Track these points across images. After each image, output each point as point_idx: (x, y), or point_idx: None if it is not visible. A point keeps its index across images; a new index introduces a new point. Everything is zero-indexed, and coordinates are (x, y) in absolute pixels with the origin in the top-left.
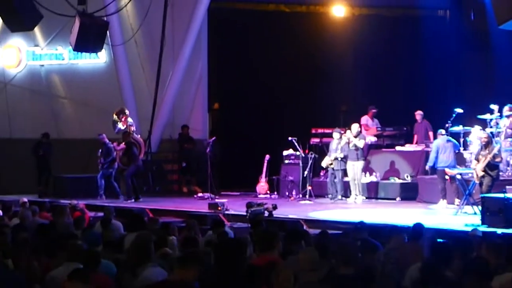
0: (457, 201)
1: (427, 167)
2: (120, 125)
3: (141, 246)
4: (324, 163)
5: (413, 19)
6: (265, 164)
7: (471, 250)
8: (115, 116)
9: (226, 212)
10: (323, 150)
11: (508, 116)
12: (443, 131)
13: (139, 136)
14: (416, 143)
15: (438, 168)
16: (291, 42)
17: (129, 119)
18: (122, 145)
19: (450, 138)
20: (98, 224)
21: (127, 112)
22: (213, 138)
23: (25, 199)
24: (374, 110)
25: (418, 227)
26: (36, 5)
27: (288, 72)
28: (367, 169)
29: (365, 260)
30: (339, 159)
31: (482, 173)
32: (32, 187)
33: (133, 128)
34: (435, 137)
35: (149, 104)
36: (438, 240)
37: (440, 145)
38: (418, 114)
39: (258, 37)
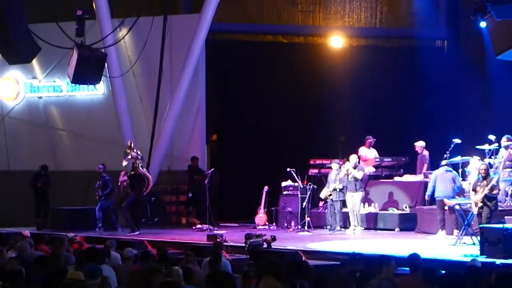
0: (456, 231)
1: (426, 197)
2: (129, 157)
3: (146, 280)
4: (322, 195)
5: (411, 49)
6: (264, 195)
7: (482, 282)
8: (126, 149)
9: (225, 243)
10: (321, 181)
11: (506, 147)
12: (444, 162)
13: (144, 170)
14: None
15: (437, 199)
16: (289, 73)
17: (138, 152)
18: (125, 177)
19: (451, 169)
20: None
21: (132, 145)
22: (212, 170)
23: (27, 232)
24: (370, 140)
25: (415, 257)
26: (34, 37)
27: (286, 103)
28: (366, 199)
29: None
30: (338, 190)
31: (480, 204)
32: (30, 219)
33: (139, 162)
34: (431, 169)
35: (147, 136)
36: (444, 271)
37: (438, 175)
38: (417, 146)
39: (256, 68)
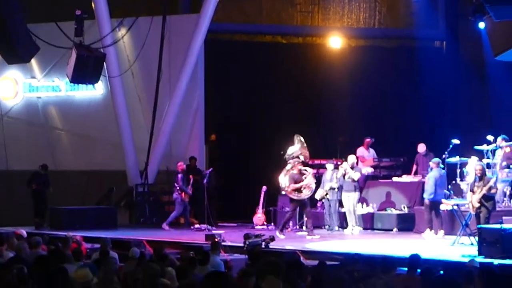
0: (441, 231)
1: (427, 201)
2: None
3: (151, 281)
4: (318, 195)
5: (409, 50)
6: (262, 195)
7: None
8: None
9: (223, 243)
10: (320, 181)
11: (502, 147)
12: (437, 161)
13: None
14: (415, 173)
15: (432, 200)
16: (287, 73)
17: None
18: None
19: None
20: (94, 255)
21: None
22: (210, 169)
23: (22, 231)
24: (368, 140)
25: (415, 258)
26: (32, 37)
27: (284, 103)
28: (363, 200)
29: None
30: (335, 189)
31: (478, 205)
32: (29, 218)
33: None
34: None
35: (146, 136)
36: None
37: (437, 178)
38: (423, 147)
39: (255, 69)
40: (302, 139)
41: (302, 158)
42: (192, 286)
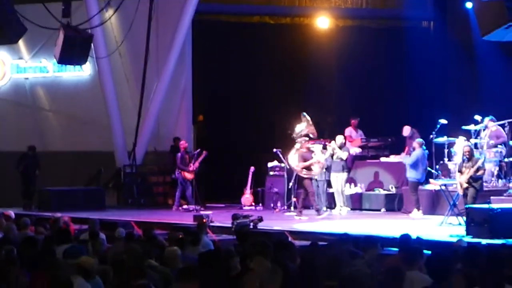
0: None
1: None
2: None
3: (135, 261)
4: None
5: (397, 30)
6: (250, 176)
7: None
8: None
9: (211, 224)
10: None
11: (489, 127)
12: (421, 142)
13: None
14: (407, 153)
15: (418, 181)
16: (275, 54)
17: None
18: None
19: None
20: (83, 236)
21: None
22: (198, 150)
23: (11, 212)
24: (354, 121)
25: (405, 238)
26: (20, 18)
27: (272, 83)
28: (351, 180)
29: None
30: (323, 169)
31: (466, 185)
32: (17, 200)
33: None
34: None
35: (133, 116)
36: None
37: (421, 158)
38: (407, 129)
39: (243, 49)
40: (308, 117)
41: (311, 136)
42: (190, 270)
